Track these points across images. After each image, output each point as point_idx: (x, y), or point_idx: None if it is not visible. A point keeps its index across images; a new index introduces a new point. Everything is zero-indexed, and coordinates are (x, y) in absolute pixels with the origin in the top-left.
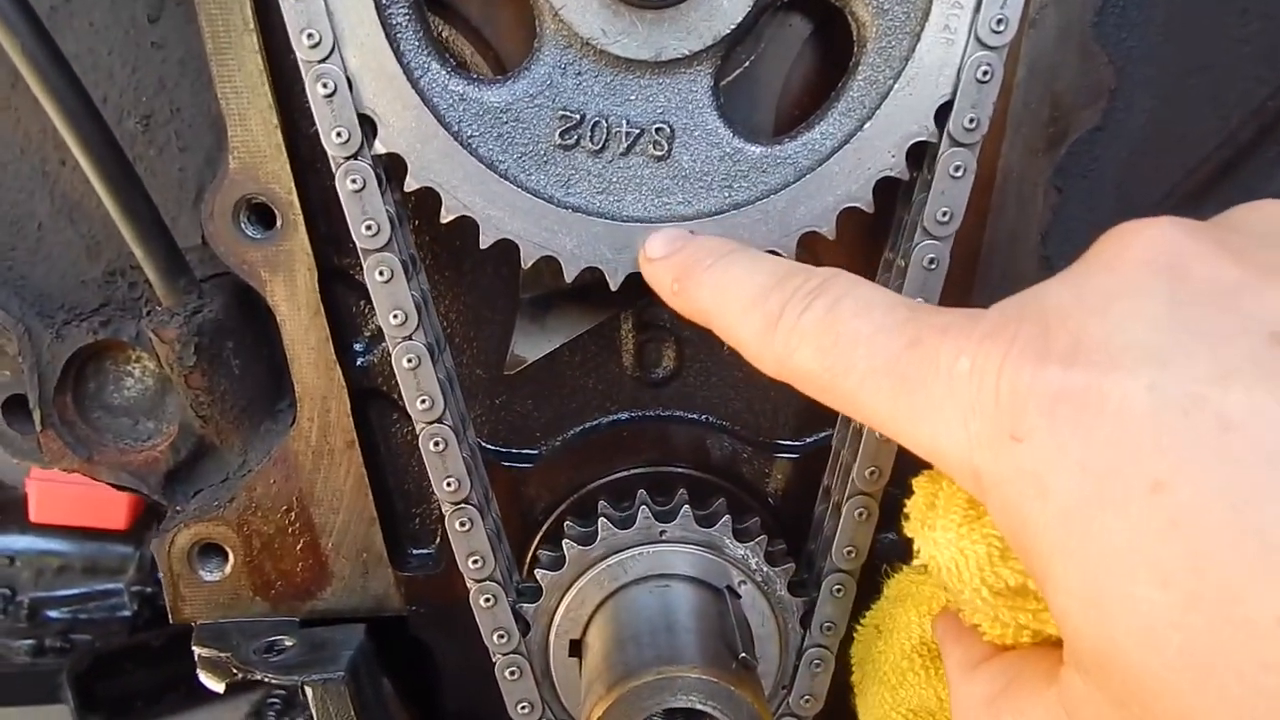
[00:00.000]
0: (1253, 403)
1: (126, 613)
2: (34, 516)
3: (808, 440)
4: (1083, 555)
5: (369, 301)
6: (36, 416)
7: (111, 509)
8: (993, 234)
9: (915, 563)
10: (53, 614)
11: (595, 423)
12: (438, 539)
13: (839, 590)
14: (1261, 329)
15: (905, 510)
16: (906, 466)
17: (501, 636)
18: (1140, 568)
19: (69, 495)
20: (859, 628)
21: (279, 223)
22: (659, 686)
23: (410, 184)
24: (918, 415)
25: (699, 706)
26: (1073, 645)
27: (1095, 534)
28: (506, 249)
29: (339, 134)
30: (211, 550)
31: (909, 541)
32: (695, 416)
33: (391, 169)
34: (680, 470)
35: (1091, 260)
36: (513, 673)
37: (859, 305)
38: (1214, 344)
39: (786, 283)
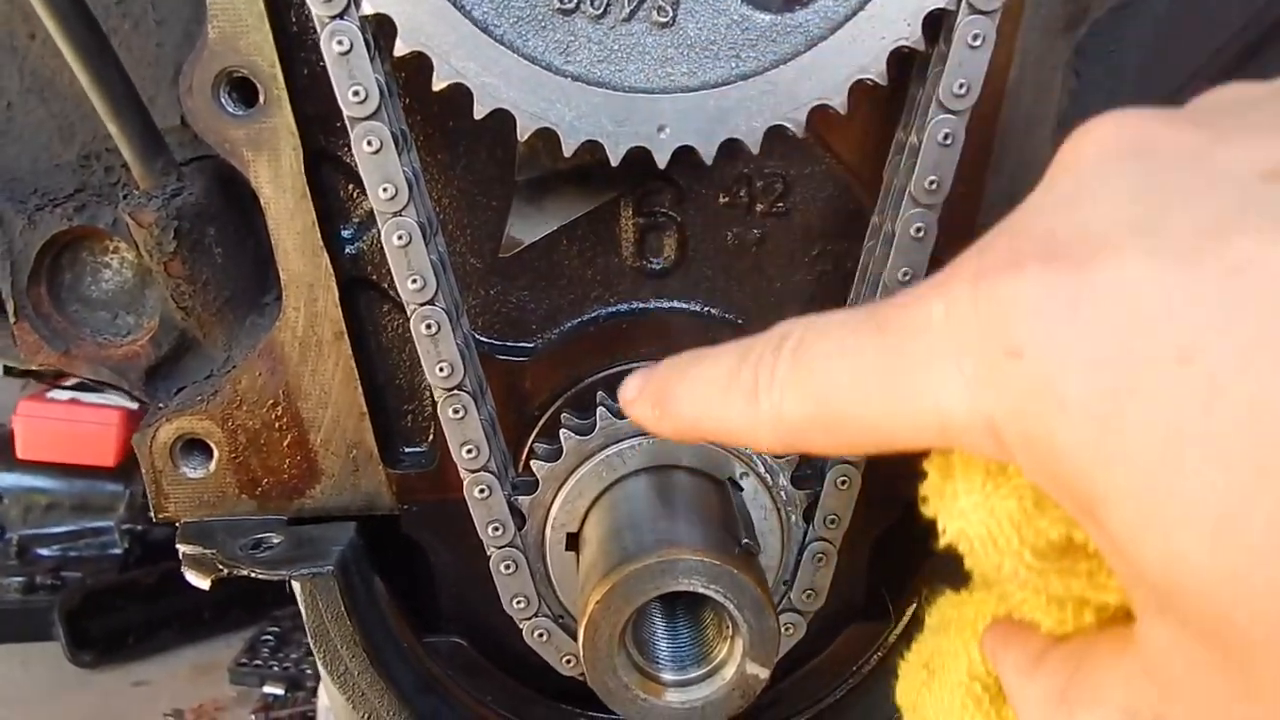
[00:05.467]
0: (1262, 241)
1: (117, 550)
2: (21, 453)
3: None
4: (1123, 460)
5: (358, 185)
6: (10, 308)
7: (99, 445)
8: (1008, 119)
9: (943, 540)
10: (43, 551)
11: (594, 314)
12: (431, 435)
13: (843, 482)
14: (1248, 171)
15: (921, 494)
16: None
17: (496, 529)
18: (1193, 452)
19: (55, 431)
20: (903, 666)
21: (262, 98)
22: (659, 570)
23: (400, 48)
24: (914, 390)
25: (701, 590)
26: (1141, 579)
27: (1131, 431)
28: (503, 127)
29: None
30: (195, 446)
31: (954, 562)
32: (697, 308)
33: (381, 36)
34: None
35: (1051, 172)
36: (508, 566)
37: (818, 332)
38: (1201, 197)
39: (749, 353)
